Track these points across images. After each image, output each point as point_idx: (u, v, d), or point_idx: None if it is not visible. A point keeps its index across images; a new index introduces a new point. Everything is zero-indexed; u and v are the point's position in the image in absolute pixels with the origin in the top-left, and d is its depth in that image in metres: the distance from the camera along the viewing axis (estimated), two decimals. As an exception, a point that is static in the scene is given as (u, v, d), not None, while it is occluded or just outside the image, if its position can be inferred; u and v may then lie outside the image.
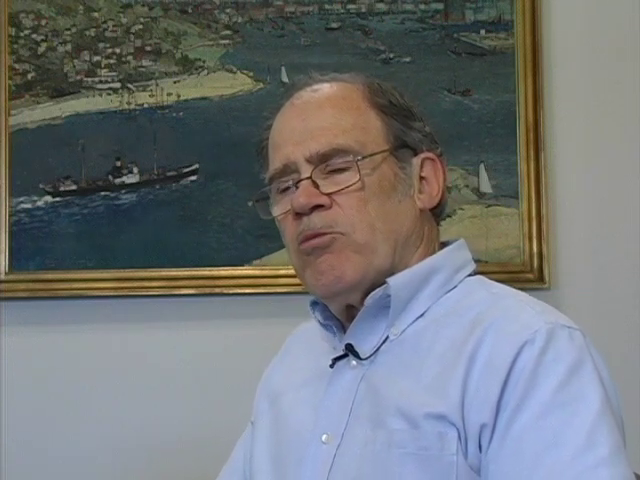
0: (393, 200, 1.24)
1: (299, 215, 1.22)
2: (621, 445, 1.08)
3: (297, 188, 1.23)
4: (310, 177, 1.22)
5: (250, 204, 1.32)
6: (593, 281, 2.35)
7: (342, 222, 1.21)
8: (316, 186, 1.22)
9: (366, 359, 1.22)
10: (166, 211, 2.33)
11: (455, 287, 1.25)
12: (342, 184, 1.22)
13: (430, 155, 1.29)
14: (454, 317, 1.20)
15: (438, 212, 1.31)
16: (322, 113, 1.24)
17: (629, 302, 2.34)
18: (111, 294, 2.30)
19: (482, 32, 2.41)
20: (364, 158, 1.22)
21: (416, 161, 1.27)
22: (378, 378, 1.20)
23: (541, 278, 2.32)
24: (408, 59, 2.40)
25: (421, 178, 1.27)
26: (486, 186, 2.36)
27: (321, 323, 1.31)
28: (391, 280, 1.21)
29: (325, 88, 1.28)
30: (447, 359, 1.15)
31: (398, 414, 1.14)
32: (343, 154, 1.22)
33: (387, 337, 1.23)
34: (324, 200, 1.21)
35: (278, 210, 1.27)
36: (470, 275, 1.28)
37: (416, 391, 1.15)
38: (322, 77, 1.30)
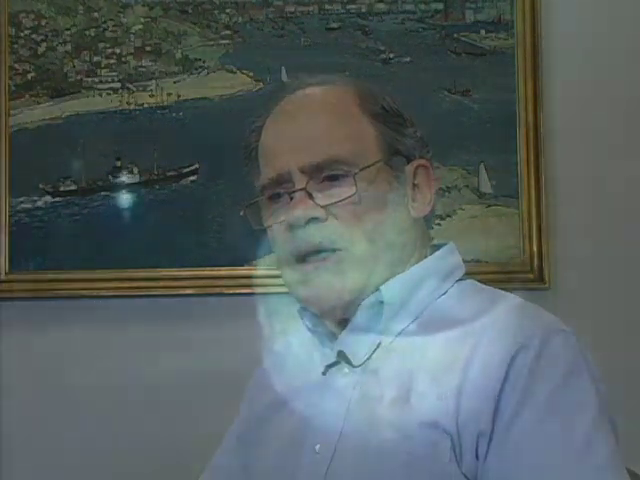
0: (389, 211, 1.21)
1: (293, 227, 1.20)
2: (617, 450, 1.08)
3: (291, 199, 1.20)
4: (305, 188, 1.19)
5: (241, 213, 1.29)
6: (593, 281, 2.35)
7: (341, 236, 1.19)
8: (311, 197, 1.19)
9: (359, 366, 1.20)
10: (166, 211, 2.33)
11: (446, 292, 1.24)
12: (338, 196, 1.19)
13: (423, 162, 1.26)
14: (447, 324, 1.18)
15: (429, 217, 1.29)
16: (315, 121, 1.22)
17: (629, 302, 2.34)
18: (111, 294, 2.30)
19: (482, 32, 2.41)
20: (361, 170, 1.19)
21: (409, 169, 1.25)
22: (371, 386, 1.18)
23: (541, 278, 2.32)
24: (408, 59, 2.40)
25: (414, 186, 1.25)
26: (486, 186, 2.36)
27: (310, 329, 1.29)
28: (383, 287, 1.20)
29: (317, 93, 1.25)
30: (441, 367, 1.13)
31: (391, 423, 1.13)
32: (338, 164, 1.19)
33: (379, 344, 1.21)
34: (320, 213, 1.19)
35: (270, 220, 1.24)
36: (461, 279, 1.27)
37: (409, 400, 1.13)
38: (312, 80, 1.27)
